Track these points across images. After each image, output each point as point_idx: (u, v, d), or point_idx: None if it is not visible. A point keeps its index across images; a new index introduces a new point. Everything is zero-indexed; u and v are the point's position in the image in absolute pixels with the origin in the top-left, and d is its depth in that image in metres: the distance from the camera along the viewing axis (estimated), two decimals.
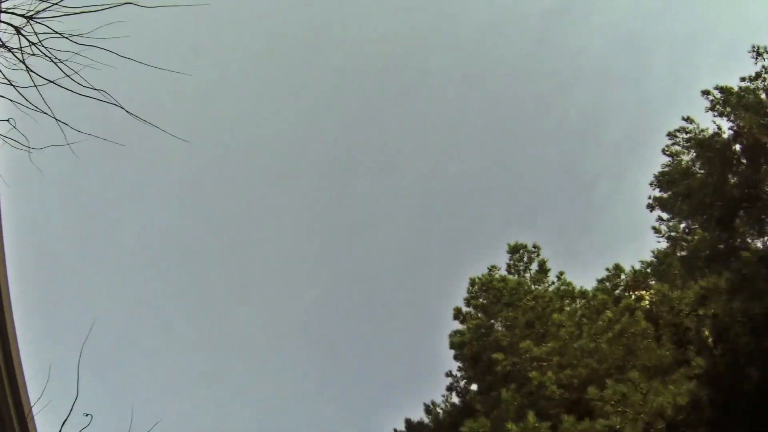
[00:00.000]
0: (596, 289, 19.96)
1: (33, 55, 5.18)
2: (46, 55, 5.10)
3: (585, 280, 21.45)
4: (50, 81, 5.23)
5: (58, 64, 5.15)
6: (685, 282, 18.46)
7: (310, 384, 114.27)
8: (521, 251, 21.44)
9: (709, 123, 20.44)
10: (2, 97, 5.39)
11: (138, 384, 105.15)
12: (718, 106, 19.85)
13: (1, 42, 5.04)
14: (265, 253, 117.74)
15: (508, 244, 21.43)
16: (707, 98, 20.09)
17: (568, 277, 20.56)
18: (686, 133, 21.01)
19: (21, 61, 5.17)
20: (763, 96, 19.17)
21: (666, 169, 21.90)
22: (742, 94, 19.40)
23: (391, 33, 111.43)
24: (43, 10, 5.01)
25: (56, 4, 5.00)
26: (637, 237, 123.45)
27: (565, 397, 14.82)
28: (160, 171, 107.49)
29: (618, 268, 21.36)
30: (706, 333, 15.93)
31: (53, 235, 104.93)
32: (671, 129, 21.39)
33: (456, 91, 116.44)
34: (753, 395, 13.78)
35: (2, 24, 4.96)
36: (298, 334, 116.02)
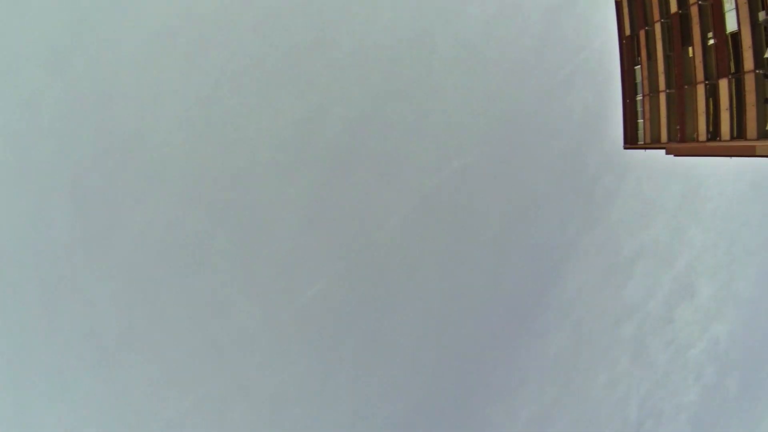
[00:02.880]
0: None
1: None
2: None
3: None
4: None
5: None
6: None
7: (310, 381, 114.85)
8: None
9: None
10: None
11: (138, 382, 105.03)
12: None
13: None
14: (265, 250, 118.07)
15: None
16: None
17: None
18: None
19: None
20: None
21: None
22: None
23: (393, 30, 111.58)
24: None
25: None
26: (639, 229, 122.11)
27: None
28: (161, 168, 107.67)
29: None
30: None
31: (54, 235, 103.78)
32: None
33: (458, 87, 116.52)
34: None
35: None
36: (300, 330, 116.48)
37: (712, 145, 38.64)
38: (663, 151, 44.61)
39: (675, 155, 43.50)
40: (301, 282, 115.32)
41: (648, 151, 43.74)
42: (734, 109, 32.18)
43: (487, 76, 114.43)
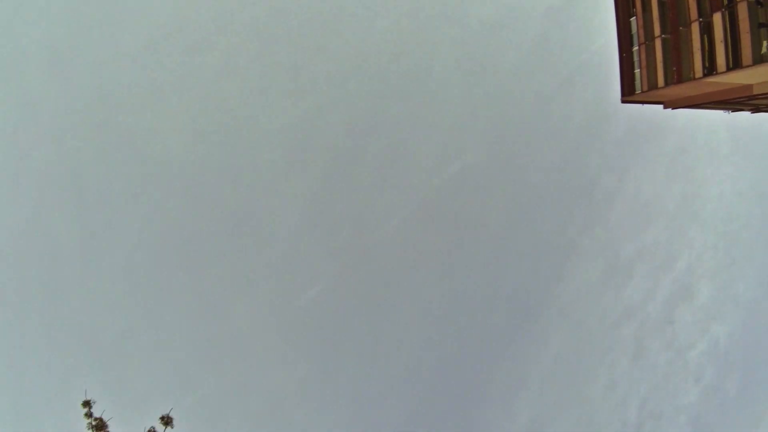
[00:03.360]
0: None
1: None
2: None
3: None
4: None
5: None
6: None
7: (309, 382, 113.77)
8: None
9: None
10: None
11: (138, 382, 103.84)
12: None
13: None
14: (265, 252, 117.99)
15: None
16: None
17: None
18: None
19: None
20: None
21: None
22: None
23: (395, 31, 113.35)
24: None
25: None
26: (639, 230, 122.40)
27: None
28: (161, 169, 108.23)
29: None
30: None
31: (54, 235, 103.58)
32: None
33: (459, 88, 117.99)
34: None
35: None
36: (299, 332, 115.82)
37: (710, 90, 39.35)
38: (661, 106, 45.39)
39: (673, 108, 44.22)
40: (301, 283, 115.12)
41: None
42: (729, 39, 32.92)
43: (487, 77, 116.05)
